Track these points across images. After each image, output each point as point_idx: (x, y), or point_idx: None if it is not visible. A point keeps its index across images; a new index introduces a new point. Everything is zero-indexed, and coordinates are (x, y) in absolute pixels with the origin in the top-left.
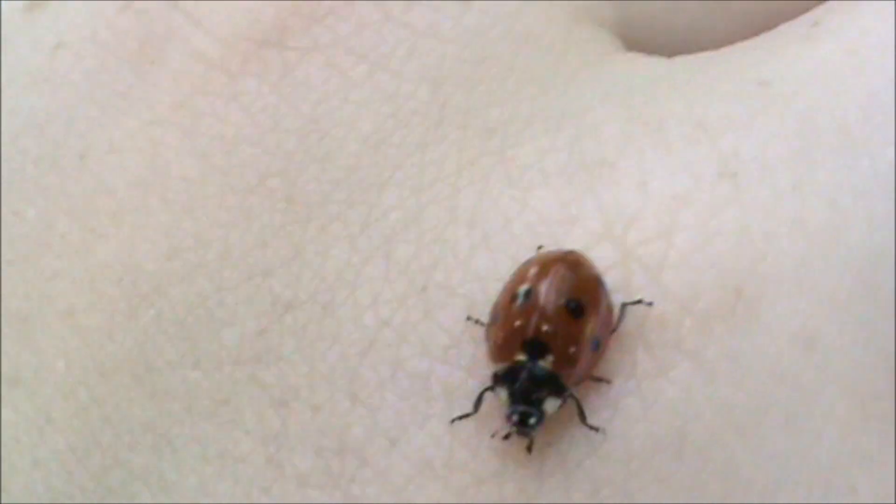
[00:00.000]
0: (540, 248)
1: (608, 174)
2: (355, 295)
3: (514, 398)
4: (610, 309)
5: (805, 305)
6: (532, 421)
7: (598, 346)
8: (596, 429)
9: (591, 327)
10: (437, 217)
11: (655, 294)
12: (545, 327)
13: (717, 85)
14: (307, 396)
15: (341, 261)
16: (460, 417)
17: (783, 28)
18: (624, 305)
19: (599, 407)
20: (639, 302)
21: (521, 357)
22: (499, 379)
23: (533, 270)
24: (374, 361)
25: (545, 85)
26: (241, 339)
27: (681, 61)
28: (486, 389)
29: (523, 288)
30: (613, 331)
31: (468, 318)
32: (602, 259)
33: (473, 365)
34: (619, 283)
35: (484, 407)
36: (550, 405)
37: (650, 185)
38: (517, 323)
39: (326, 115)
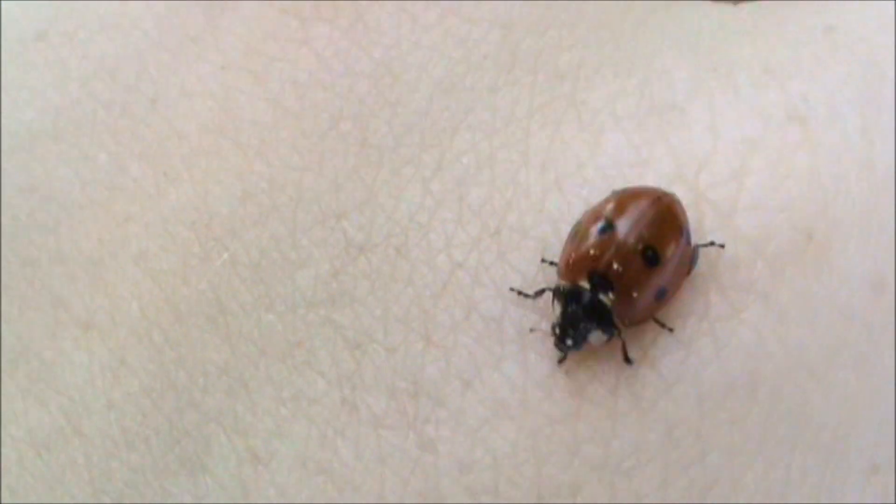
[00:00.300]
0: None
1: (678, 118)
2: (428, 237)
3: (564, 317)
4: (686, 261)
5: (874, 248)
6: (569, 343)
7: (664, 295)
8: (630, 361)
9: (660, 277)
10: (510, 160)
11: (727, 236)
12: (615, 265)
13: (783, 31)
14: (381, 338)
15: (414, 203)
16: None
17: None
18: (696, 248)
19: (673, 348)
20: (711, 244)
21: (585, 284)
22: (558, 294)
23: (626, 202)
24: (447, 303)
25: (614, 30)
26: (315, 282)
27: (747, 7)
28: (543, 291)
29: (609, 216)
30: (687, 274)
31: (542, 260)
32: None
33: (547, 307)
34: (692, 225)
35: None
36: (595, 337)
37: (720, 128)
38: (592, 251)
39: (398, 59)
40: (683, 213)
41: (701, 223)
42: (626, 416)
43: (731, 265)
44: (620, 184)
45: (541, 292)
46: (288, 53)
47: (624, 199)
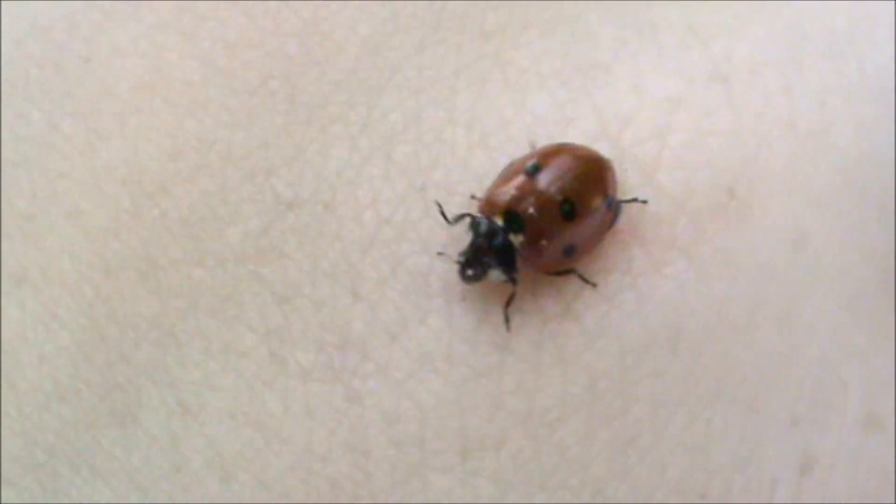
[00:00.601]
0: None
1: (603, 77)
2: (356, 194)
3: (472, 248)
4: (604, 225)
5: (795, 205)
6: (470, 273)
7: (573, 252)
8: (507, 306)
9: (572, 233)
10: (436, 118)
11: (650, 193)
12: (531, 210)
13: None
14: (309, 292)
15: (342, 160)
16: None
17: None
18: (619, 204)
19: (596, 301)
20: (634, 200)
21: (499, 220)
22: (473, 224)
23: (560, 155)
24: (374, 259)
25: None
26: (244, 237)
27: None
28: (462, 217)
29: (540, 163)
30: (608, 229)
31: (472, 197)
32: None
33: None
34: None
35: (484, 305)
36: (495, 275)
37: (644, 87)
38: (513, 190)
39: (326, 18)
40: (612, 179)
41: (624, 180)
42: (549, 370)
43: (653, 221)
44: (545, 142)
45: (459, 218)
46: (218, 12)
47: (559, 151)
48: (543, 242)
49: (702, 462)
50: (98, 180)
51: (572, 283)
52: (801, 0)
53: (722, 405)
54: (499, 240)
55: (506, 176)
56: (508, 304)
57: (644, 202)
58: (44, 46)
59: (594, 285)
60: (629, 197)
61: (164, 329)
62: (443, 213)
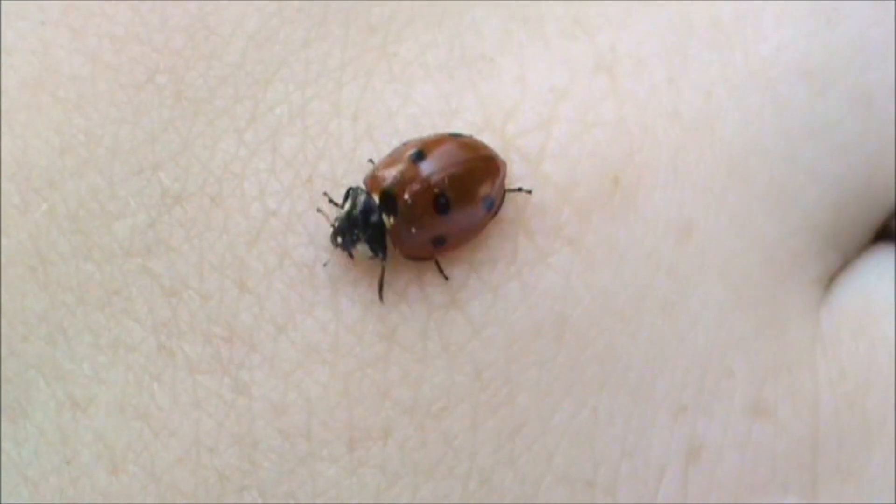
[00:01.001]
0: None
1: (488, 68)
2: (242, 186)
3: (346, 218)
4: (482, 220)
5: (681, 195)
6: (339, 240)
7: (442, 244)
8: (381, 288)
9: (443, 225)
10: (322, 111)
11: (535, 183)
12: (406, 195)
13: None
14: (196, 285)
15: (229, 154)
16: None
17: None
18: (499, 205)
19: (481, 291)
20: (518, 190)
21: (376, 197)
22: (352, 193)
23: (450, 147)
24: (261, 251)
25: None
26: (132, 231)
27: None
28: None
29: (427, 150)
30: (484, 225)
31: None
32: None
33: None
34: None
35: (370, 296)
36: (362, 249)
37: (528, 78)
38: (394, 171)
39: (213, 13)
40: (496, 179)
41: (509, 171)
42: (435, 359)
43: (538, 211)
44: (430, 133)
45: (347, 197)
46: (105, 9)
47: (446, 142)
48: (413, 230)
49: (588, 450)
50: None
51: (459, 273)
52: None
53: (608, 393)
54: (372, 217)
55: (394, 156)
56: (381, 280)
57: (529, 192)
58: None
59: (446, 279)
60: (514, 187)
61: (53, 323)
62: (331, 200)
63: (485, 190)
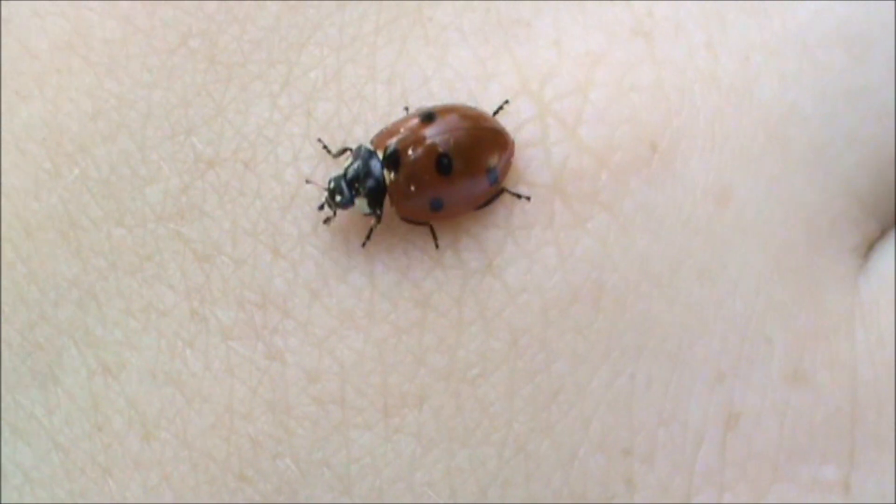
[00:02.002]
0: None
1: (524, 32)
2: (276, 152)
3: (346, 173)
4: (479, 195)
5: (718, 160)
6: (338, 199)
7: (439, 208)
8: (364, 244)
9: (442, 188)
10: (357, 75)
11: (572, 148)
12: (410, 151)
13: None
14: (230, 251)
15: (262, 118)
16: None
17: None
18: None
19: (516, 256)
20: (517, 196)
21: (379, 154)
22: (355, 151)
23: (460, 114)
24: (295, 216)
25: None
26: (165, 196)
27: None
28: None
29: (437, 114)
30: (486, 201)
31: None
32: (519, 113)
33: (393, 219)
34: (536, 137)
35: (405, 262)
36: (359, 203)
37: (565, 42)
38: (400, 129)
39: None
40: (502, 154)
41: (546, 135)
42: (471, 326)
43: (575, 176)
44: (465, 98)
45: (342, 151)
46: None
47: (460, 110)
48: (412, 187)
49: (625, 417)
50: (17, 141)
51: (494, 238)
52: None
53: (645, 360)
54: (374, 172)
55: (404, 119)
56: (367, 236)
57: (528, 198)
58: None
59: (437, 246)
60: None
61: (85, 289)
62: (325, 147)
63: (489, 161)
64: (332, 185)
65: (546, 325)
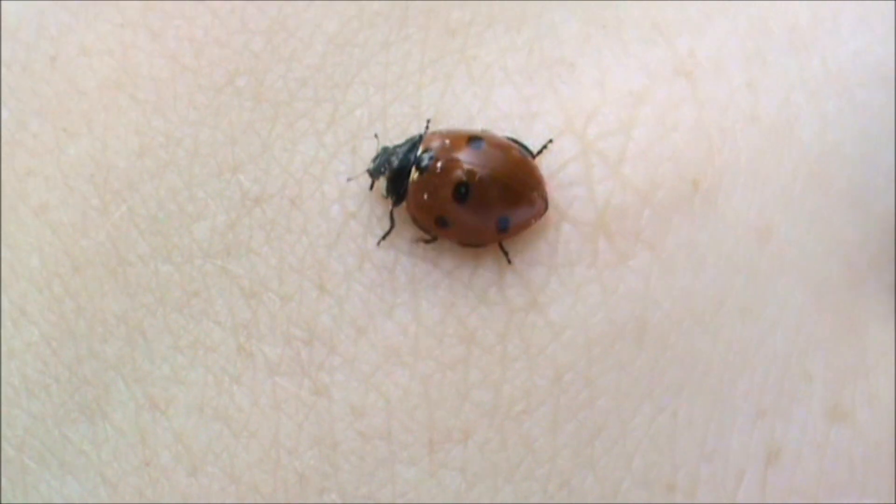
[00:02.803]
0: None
1: (567, 72)
2: (322, 189)
3: (394, 148)
4: (486, 232)
5: (760, 198)
6: (374, 163)
7: (445, 226)
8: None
9: (451, 212)
10: (402, 113)
11: (615, 185)
12: (438, 163)
13: None
14: (276, 287)
15: (308, 156)
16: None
17: None
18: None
19: (560, 293)
20: (506, 257)
21: (421, 150)
22: (412, 139)
23: (504, 148)
24: (341, 253)
25: None
26: (212, 233)
27: None
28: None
29: (482, 139)
30: (489, 240)
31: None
32: (563, 152)
33: (438, 257)
34: (580, 175)
35: (451, 298)
36: (383, 182)
37: (608, 82)
38: (448, 141)
39: (292, 15)
40: (526, 211)
41: (589, 173)
42: (515, 362)
43: (618, 213)
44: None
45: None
46: (185, 11)
47: (507, 152)
48: (425, 196)
49: (668, 453)
50: (66, 177)
51: (538, 275)
52: None
53: (687, 397)
54: (405, 162)
55: (463, 131)
56: (387, 232)
57: (509, 262)
58: (12, 47)
59: (429, 241)
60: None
61: (133, 324)
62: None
63: (506, 211)
64: (379, 148)
65: (590, 362)
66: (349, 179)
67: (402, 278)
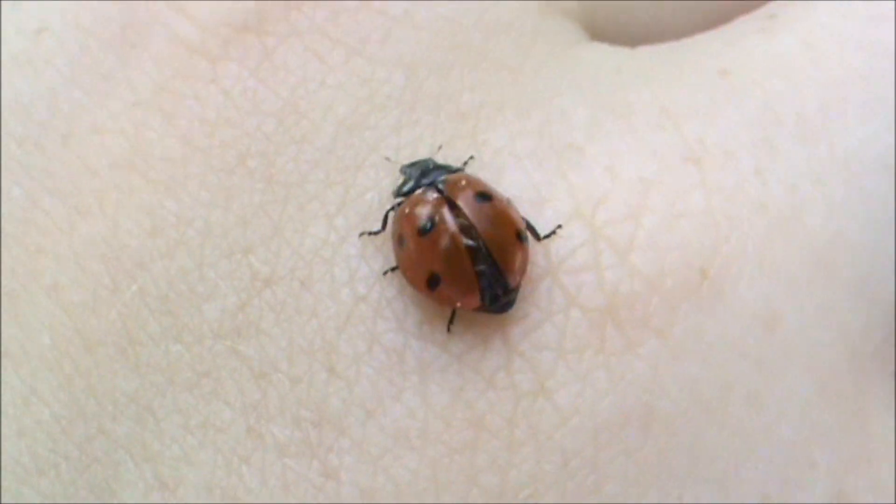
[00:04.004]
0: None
1: (577, 157)
2: (332, 271)
3: (412, 173)
4: (415, 285)
5: (767, 286)
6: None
7: (397, 265)
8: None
9: (399, 257)
10: None
11: (623, 273)
12: (430, 211)
13: (679, 74)
14: (286, 369)
15: (319, 238)
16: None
17: (741, 20)
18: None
19: (568, 379)
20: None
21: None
22: (432, 169)
23: (492, 218)
24: (350, 335)
25: (515, 72)
26: (222, 314)
27: (644, 51)
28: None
29: (489, 197)
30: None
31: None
32: (572, 238)
33: (448, 340)
34: (588, 261)
35: (459, 382)
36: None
37: (618, 168)
38: (453, 185)
39: (304, 98)
40: (462, 297)
41: (598, 260)
42: (522, 447)
43: (627, 300)
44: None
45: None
46: (197, 91)
47: (495, 221)
48: (399, 237)
49: None
50: (77, 256)
51: (546, 360)
52: (773, 83)
53: (693, 484)
54: (403, 188)
55: (480, 184)
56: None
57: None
58: (25, 124)
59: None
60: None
61: (143, 404)
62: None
63: (435, 271)
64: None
65: (597, 449)
66: (361, 235)
67: (412, 362)
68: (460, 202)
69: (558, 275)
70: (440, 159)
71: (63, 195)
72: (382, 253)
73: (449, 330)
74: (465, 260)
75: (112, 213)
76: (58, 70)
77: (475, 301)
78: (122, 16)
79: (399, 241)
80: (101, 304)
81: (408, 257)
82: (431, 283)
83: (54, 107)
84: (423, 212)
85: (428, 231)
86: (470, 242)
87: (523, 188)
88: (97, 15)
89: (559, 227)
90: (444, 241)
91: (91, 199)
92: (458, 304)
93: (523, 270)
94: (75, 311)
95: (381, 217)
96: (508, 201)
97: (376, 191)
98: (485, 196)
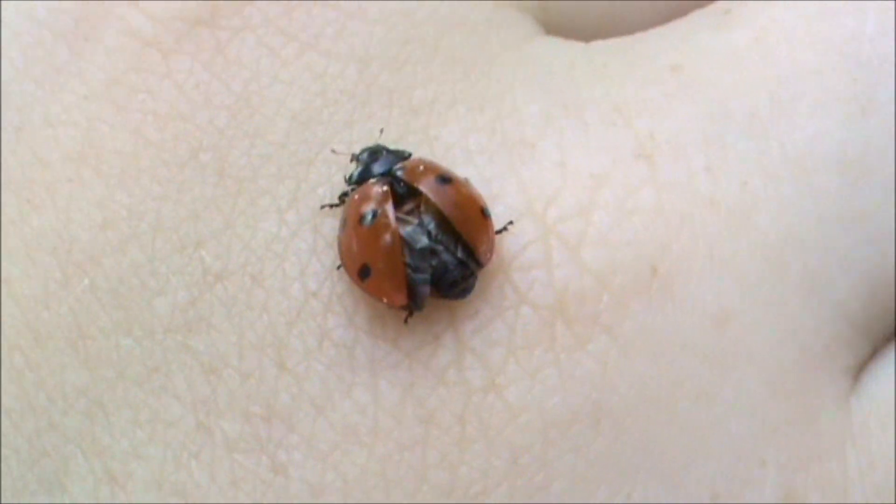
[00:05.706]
0: None
1: (528, 153)
2: (283, 266)
3: (369, 157)
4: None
5: (717, 284)
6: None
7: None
8: None
9: (346, 236)
10: None
11: (574, 270)
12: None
13: (632, 69)
14: (236, 364)
15: (270, 233)
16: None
17: (696, 15)
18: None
19: (518, 376)
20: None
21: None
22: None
23: (453, 213)
24: (301, 331)
25: (468, 67)
26: (173, 308)
27: (597, 46)
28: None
29: (447, 180)
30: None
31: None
32: (523, 234)
33: (398, 336)
34: (539, 259)
35: (410, 378)
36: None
37: (569, 164)
38: (414, 167)
39: (257, 92)
40: (381, 288)
41: (549, 256)
42: (473, 443)
43: (577, 297)
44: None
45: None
46: (150, 85)
47: (454, 213)
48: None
49: None
50: (29, 249)
51: (497, 357)
52: (725, 79)
53: (642, 481)
54: (356, 170)
55: (436, 168)
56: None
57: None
58: None
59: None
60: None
61: (93, 398)
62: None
63: (366, 261)
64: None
65: (546, 445)
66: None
67: (362, 358)
68: (423, 187)
69: (509, 272)
70: (391, 145)
71: (15, 188)
72: (334, 248)
73: (406, 322)
74: (397, 257)
75: (64, 205)
76: (11, 62)
77: (401, 298)
78: (77, 9)
79: (342, 225)
80: (52, 298)
81: (347, 244)
82: (362, 274)
83: (6, 98)
84: (369, 202)
85: (369, 222)
86: (424, 242)
87: (475, 184)
88: (51, 8)
89: (510, 223)
90: (381, 234)
91: (43, 191)
92: (385, 300)
93: (492, 247)
94: (26, 305)
95: (332, 212)
96: (467, 180)
97: (328, 185)
98: (445, 179)
